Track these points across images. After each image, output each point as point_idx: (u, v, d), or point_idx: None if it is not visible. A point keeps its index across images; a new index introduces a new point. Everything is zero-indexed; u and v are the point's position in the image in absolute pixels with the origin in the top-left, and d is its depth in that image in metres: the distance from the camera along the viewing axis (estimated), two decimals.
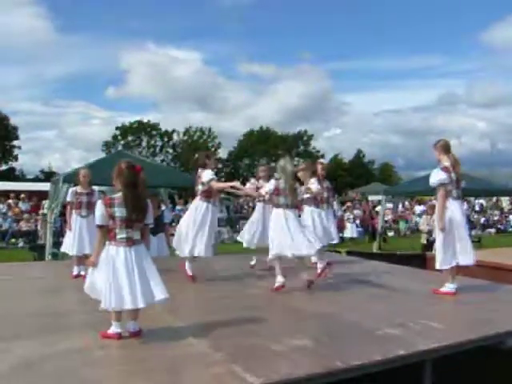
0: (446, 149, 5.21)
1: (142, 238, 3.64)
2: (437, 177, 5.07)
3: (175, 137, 48.09)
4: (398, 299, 5.20)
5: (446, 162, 5.12)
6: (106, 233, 3.56)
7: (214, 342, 3.48)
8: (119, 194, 3.55)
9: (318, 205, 6.44)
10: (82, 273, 6.17)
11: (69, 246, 6.45)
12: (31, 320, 4.19)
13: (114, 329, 3.56)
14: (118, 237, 3.51)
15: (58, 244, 9.35)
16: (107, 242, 3.55)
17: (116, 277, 3.45)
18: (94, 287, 3.58)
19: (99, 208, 3.54)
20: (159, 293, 3.55)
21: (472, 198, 23.46)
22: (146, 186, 3.66)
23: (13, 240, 15.64)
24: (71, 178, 8.86)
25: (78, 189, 6.57)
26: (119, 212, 3.49)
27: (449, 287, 5.18)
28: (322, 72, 75.38)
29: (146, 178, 3.65)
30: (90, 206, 6.52)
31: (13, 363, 3.06)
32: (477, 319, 4.26)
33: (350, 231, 18.31)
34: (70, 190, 6.70)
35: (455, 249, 5.07)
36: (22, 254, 11.80)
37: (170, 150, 48.23)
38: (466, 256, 5.09)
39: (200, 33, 76.20)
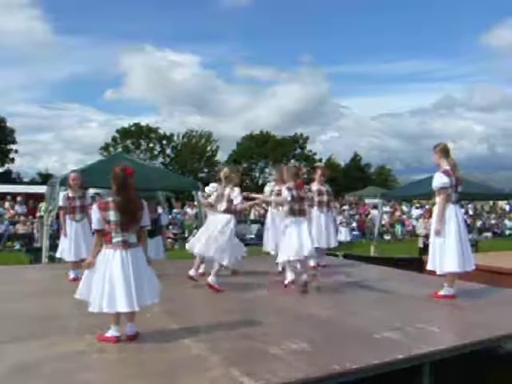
0: (445, 152, 5.21)
1: (139, 240, 3.64)
2: (440, 180, 5.07)
3: (175, 138, 48.00)
4: (396, 303, 5.20)
5: (447, 166, 5.13)
6: (103, 236, 3.57)
7: (212, 345, 3.48)
8: (113, 198, 3.56)
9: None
10: (80, 276, 6.15)
11: (66, 251, 6.41)
12: (28, 323, 4.18)
13: (111, 332, 3.55)
14: (114, 240, 3.51)
15: (54, 247, 9.31)
16: (104, 246, 3.55)
17: (111, 280, 3.45)
18: (87, 290, 3.58)
19: (95, 212, 3.56)
20: (153, 295, 3.60)
21: (466, 202, 23.49)
22: (136, 188, 3.64)
23: (9, 243, 15.58)
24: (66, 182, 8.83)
25: (70, 193, 6.49)
26: (114, 216, 3.50)
27: (448, 291, 5.17)
28: (320, 75, 75.79)
29: (137, 180, 3.64)
30: (84, 210, 6.48)
31: (9, 366, 3.05)
32: (474, 323, 4.26)
33: (344, 234, 18.28)
34: (62, 194, 6.62)
35: (458, 254, 4.99)
36: (19, 257, 11.74)
37: (169, 151, 48.12)
38: (468, 261, 5.07)
39: (198, 36, 76.61)
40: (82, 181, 6.63)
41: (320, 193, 7.24)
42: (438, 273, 5.17)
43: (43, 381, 2.88)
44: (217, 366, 3.07)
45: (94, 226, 3.59)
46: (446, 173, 5.08)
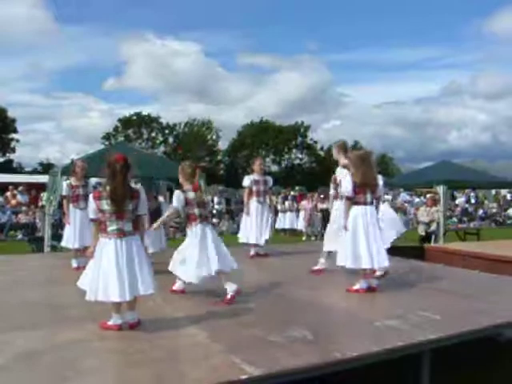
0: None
1: (136, 228, 3.61)
2: (347, 184, 4.92)
3: (177, 128, 48.04)
4: (397, 291, 5.20)
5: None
6: (99, 225, 3.57)
7: (213, 333, 3.49)
8: (105, 187, 3.55)
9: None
10: (82, 265, 6.18)
11: (71, 239, 6.45)
12: (30, 312, 4.20)
13: (113, 320, 3.57)
14: (109, 229, 3.50)
15: (56, 236, 9.33)
16: (100, 235, 3.55)
17: (105, 269, 3.44)
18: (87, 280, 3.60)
19: (91, 202, 3.57)
20: (147, 286, 3.52)
21: (469, 190, 23.43)
22: (135, 176, 3.61)
23: (11, 232, 15.64)
24: (70, 170, 8.84)
25: (73, 182, 6.54)
26: (107, 204, 3.49)
27: (362, 284, 4.95)
28: (322, 63, 75.71)
29: (137, 169, 3.61)
30: (87, 198, 6.51)
31: (12, 354, 3.07)
32: (475, 310, 4.27)
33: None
34: (65, 183, 6.67)
35: (367, 250, 4.79)
36: (21, 247, 11.80)
37: (171, 140, 48.08)
38: (379, 258, 4.84)
39: (200, 24, 76.19)
40: (87, 170, 6.68)
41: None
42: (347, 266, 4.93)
43: (46, 369, 2.90)
44: (218, 354, 3.08)
45: (90, 215, 3.60)
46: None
